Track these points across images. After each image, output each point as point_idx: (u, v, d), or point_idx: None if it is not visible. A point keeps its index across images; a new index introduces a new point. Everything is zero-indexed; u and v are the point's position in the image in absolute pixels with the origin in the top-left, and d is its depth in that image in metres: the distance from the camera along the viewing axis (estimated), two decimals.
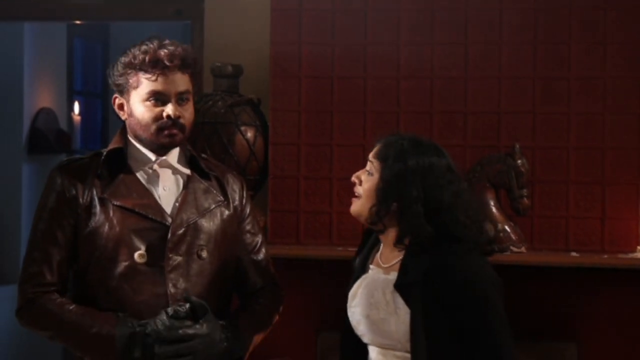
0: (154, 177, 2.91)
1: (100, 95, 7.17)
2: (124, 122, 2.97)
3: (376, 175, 2.79)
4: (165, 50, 2.84)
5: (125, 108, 2.90)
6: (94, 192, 2.85)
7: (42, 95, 5.99)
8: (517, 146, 4.15)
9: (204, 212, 2.91)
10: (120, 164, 2.90)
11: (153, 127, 2.86)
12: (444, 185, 2.76)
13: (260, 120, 4.45)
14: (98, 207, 2.84)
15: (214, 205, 2.94)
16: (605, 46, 4.22)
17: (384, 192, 2.76)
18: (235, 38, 4.64)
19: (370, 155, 2.84)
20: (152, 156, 2.90)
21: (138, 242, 2.82)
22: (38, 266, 2.85)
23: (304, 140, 4.40)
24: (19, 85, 5.77)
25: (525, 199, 4.13)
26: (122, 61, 2.87)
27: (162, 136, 2.86)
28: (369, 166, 2.83)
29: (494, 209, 4.15)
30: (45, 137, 5.90)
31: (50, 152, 5.98)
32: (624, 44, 4.21)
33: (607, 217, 4.21)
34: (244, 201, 3.04)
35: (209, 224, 2.91)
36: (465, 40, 4.30)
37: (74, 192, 2.86)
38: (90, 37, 7.04)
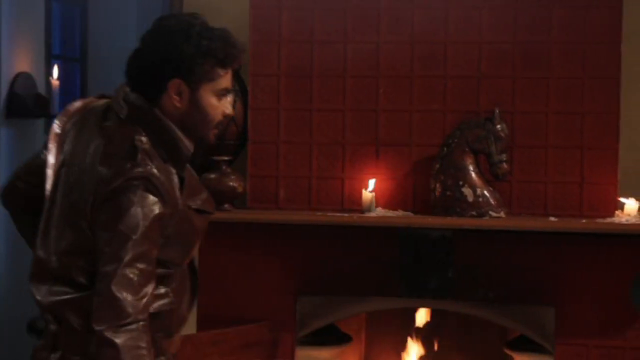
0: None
1: (78, 60, 7.11)
2: (150, 107, 2.60)
3: None
4: (238, 48, 2.65)
5: (185, 97, 2.62)
6: (178, 199, 2.63)
7: (20, 59, 5.93)
8: (497, 111, 4.15)
9: None
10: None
11: (214, 123, 2.68)
12: None
13: (239, 85, 4.43)
14: (180, 212, 2.63)
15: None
16: (587, 10, 4.21)
17: None
18: (214, 2, 4.61)
19: None
20: (190, 145, 2.69)
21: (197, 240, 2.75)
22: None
23: (284, 105, 4.38)
24: None
25: (504, 163, 4.14)
26: (200, 47, 2.57)
27: (213, 133, 2.71)
28: None
29: (473, 174, 4.16)
30: (24, 101, 5.84)
31: (29, 116, 5.92)
32: (604, 8, 4.20)
33: (585, 182, 4.22)
34: None
35: None
36: (445, 4, 4.28)
37: (167, 209, 2.57)
38: (69, 1, 6.97)
